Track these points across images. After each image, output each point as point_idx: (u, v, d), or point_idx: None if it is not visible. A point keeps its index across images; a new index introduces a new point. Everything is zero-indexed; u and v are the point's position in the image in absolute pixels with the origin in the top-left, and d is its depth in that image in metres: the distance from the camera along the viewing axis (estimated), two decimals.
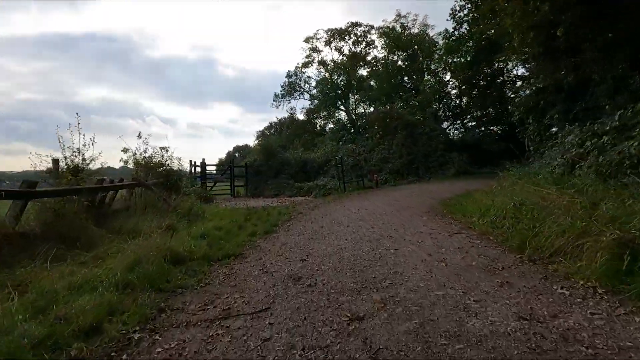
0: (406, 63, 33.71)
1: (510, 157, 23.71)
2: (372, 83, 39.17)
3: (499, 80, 26.18)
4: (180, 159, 13.99)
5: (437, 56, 31.02)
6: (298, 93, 46.19)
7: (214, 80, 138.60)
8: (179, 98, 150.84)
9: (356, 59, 42.02)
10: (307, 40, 44.73)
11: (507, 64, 24.48)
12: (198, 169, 24.08)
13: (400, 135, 24.02)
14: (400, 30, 33.28)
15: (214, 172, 27.82)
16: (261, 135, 57.67)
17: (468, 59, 25.43)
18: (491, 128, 25.96)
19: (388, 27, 33.38)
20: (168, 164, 12.94)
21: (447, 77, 30.85)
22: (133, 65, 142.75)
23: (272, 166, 26.73)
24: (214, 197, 21.89)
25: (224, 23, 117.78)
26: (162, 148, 13.24)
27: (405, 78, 33.76)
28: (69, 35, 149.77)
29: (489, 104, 25.75)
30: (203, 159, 25.48)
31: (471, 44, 24.45)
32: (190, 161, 23.15)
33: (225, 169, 26.77)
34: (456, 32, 25.58)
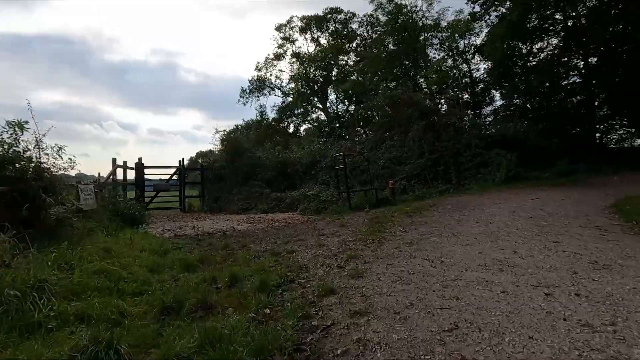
0: (403, 45, 27.83)
1: (567, 155, 18.37)
2: (355, 76, 33.04)
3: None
4: (60, 150, 7.10)
5: (448, 33, 25.44)
6: (269, 89, 39.75)
7: (176, 85, 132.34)
8: (140, 103, 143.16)
9: (337, 48, 36.03)
10: (279, 28, 38.47)
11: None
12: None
13: (418, 126, 17.96)
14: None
15: (162, 178, 20.79)
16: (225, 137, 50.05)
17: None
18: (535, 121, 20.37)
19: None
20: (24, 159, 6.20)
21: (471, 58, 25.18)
22: (90, 69, 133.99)
23: (240, 169, 20.17)
24: (151, 215, 15.21)
25: (185, 28, 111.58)
26: (11, 124, 6.47)
27: (406, 62, 27.93)
28: (21, 36, 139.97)
29: (534, 91, 20.23)
30: (139, 159, 18.49)
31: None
32: (114, 160, 16.14)
33: (172, 173, 19.78)
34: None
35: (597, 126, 23.18)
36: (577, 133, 21.37)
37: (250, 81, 39.43)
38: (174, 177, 20.57)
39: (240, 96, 39.40)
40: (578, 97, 23.29)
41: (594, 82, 22.50)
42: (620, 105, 23.01)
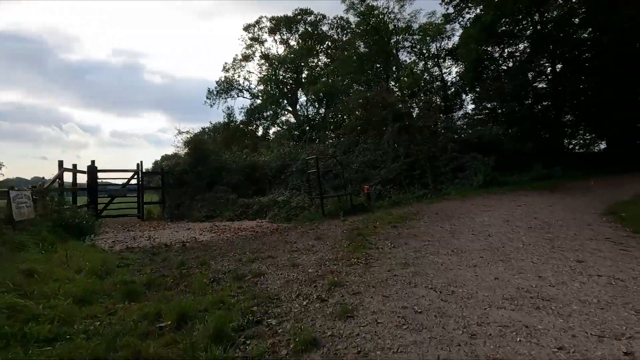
0: (374, 47, 26.90)
1: (541, 159, 17.85)
2: (326, 78, 31.87)
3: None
4: None
5: (420, 36, 24.71)
6: (237, 91, 38.03)
7: (140, 87, 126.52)
8: (103, 105, 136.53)
9: (307, 50, 34.79)
10: (247, 28, 36.87)
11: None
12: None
13: (393, 129, 16.96)
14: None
15: (120, 182, 18.87)
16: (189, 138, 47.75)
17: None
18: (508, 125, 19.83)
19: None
20: None
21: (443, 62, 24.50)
22: (48, 68, 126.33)
23: (204, 174, 18.52)
24: (103, 224, 13.55)
25: (150, 28, 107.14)
26: None
27: (378, 65, 27.02)
28: None
29: (509, 95, 19.70)
30: (92, 162, 16.56)
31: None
32: (60, 163, 14.28)
33: (129, 178, 17.91)
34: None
35: (565, 131, 23.06)
36: (547, 138, 21.09)
37: (217, 82, 37.64)
38: (132, 182, 18.68)
39: (207, 97, 37.53)
40: (544, 103, 23.13)
41: (559, 88, 22.40)
42: (584, 111, 23.04)
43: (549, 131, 21.13)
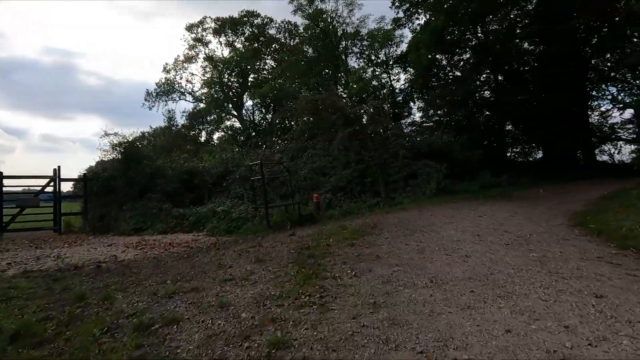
0: (323, 52, 25.75)
1: (488, 167, 17.41)
2: (273, 82, 30.22)
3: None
4: None
5: (369, 43, 23.86)
6: (178, 93, 35.24)
7: (74, 88, 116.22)
8: (31, 106, 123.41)
9: (254, 52, 32.93)
10: (190, 28, 34.32)
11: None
12: None
13: (343, 134, 15.71)
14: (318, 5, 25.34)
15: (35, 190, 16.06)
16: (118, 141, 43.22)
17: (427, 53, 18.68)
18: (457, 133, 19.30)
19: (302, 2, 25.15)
20: None
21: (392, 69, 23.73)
22: None
23: (135, 180, 16.15)
24: (5, 239, 11.15)
25: (85, 27, 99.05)
26: None
27: (327, 70, 25.85)
28: None
29: (457, 103, 19.21)
30: None
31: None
32: None
33: (44, 185, 15.20)
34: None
35: (507, 140, 23.17)
36: (493, 146, 20.96)
37: (157, 84, 34.67)
38: (47, 190, 15.87)
39: (146, 99, 34.43)
40: (487, 113, 23.14)
41: (500, 98, 22.47)
42: (523, 122, 23.28)
43: (494, 140, 21.03)
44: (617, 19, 20.59)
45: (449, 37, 18.97)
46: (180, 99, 35.28)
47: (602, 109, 27.63)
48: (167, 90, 34.40)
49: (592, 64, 24.18)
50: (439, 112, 20.87)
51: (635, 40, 24.53)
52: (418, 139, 17.91)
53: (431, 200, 13.27)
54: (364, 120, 17.57)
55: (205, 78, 34.26)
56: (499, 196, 13.79)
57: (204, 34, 34.03)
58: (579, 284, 4.06)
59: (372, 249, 6.21)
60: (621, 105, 28.28)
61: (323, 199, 14.49)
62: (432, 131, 19.01)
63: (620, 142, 28.20)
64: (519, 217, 9.12)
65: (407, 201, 13.44)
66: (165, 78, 34.55)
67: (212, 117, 33.08)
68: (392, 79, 24.54)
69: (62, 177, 16.34)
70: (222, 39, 34.34)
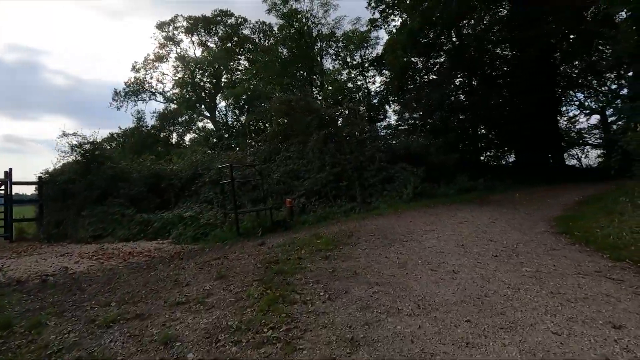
0: (297, 53, 24.98)
1: (464, 171, 17.07)
2: (247, 84, 29.15)
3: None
4: None
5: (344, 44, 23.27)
6: (149, 93, 33.66)
7: (39, 87, 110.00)
8: None
9: (227, 53, 31.79)
10: (161, 26, 32.87)
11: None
12: None
13: (318, 136, 15.02)
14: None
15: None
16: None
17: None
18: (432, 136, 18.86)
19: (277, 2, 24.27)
20: None
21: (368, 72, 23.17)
22: None
23: (96, 184, 14.96)
24: None
25: (51, 25, 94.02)
26: None
27: (302, 72, 25.11)
28: None
29: (434, 106, 18.83)
30: None
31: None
32: None
33: None
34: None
35: (480, 143, 23.05)
36: (468, 150, 20.74)
37: (126, 83, 33.02)
38: None
39: (113, 99, 32.72)
40: (462, 116, 22.96)
41: (474, 102, 22.34)
42: (495, 125, 23.23)
43: (468, 144, 20.83)
44: (583, 27, 20.75)
45: (424, 40, 18.66)
46: (150, 99, 33.80)
47: (570, 114, 28.17)
48: (136, 90, 32.83)
49: (560, 70, 24.44)
50: (414, 115, 20.49)
51: (600, 48, 25.03)
52: (394, 142, 17.41)
53: (408, 204, 12.72)
54: (339, 122, 16.93)
55: (177, 78, 32.92)
56: (476, 200, 13.39)
57: (175, 32, 32.72)
58: (588, 308, 3.46)
59: (349, 262, 5.49)
60: (588, 112, 28.95)
61: (297, 204, 13.73)
62: (408, 134, 18.58)
63: (587, 147, 28.84)
64: (500, 223, 8.63)
65: (383, 206, 12.84)
66: (135, 77, 33.01)
67: (183, 118, 31.72)
68: (367, 81, 24.09)
69: (15, 180, 15.00)
70: (195, 38, 33.15)
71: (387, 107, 23.25)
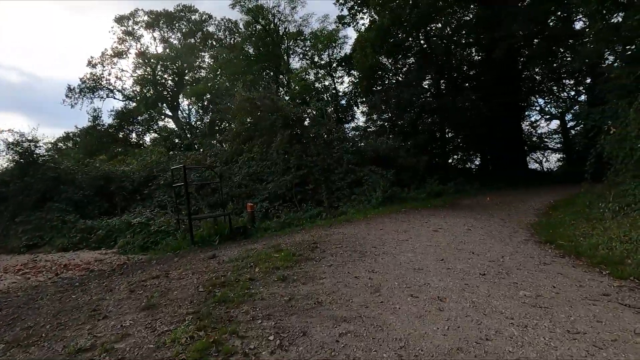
0: (263, 51, 23.73)
1: (434, 174, 16.43)
2: (210, 82, 27.52)
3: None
4: None
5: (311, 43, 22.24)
6: (106, 90, 31.28)
7: None
8: None
9: (190, 49, 29.96)
10: (120, 20, 30.67)
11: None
12: None
13: (283, 136, 13.93)
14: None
15: None
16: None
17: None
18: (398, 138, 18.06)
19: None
20: None
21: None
22: None
23: (34, 186, 13.16)
24: None
25: (2, 20, 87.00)
26: None
27: (268, 71, 23.85)
28: None
29: (403, 107, 18.08)
30: None
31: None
32: None
33: None
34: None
35: (448, 146, 22.65)
36: (436, 152, 20.22)
37: (81, 79, 30.59)
38: None
39: (67, 96, 30.16)
40: (430, 119, 22.48)
41: (442, 104, 21.90)
42: (462, 128, 22.90)
43: (437, 147, 20.33)
44: (546, 33, 20.73)
45: (393, 40, 17.98)
46: (108, 97, 31.44)
47: (532, 119, 28.47)
48: (92, 86, 30.46)
49: (524, 75, 24.50)
50: (383, 116, 19.74)
51: (560, 55, 25.34)
52: (363, 143, 16.54)
53: (378, 209, 11.83)
54: (306, 122, 15.89)
55: (137, 75, 30.80)
56: (447, 205, 12.69)
57: (135, 27, 30.61)
58: (624, 357, 2.55)
59: (311, 285, 4.41)
60: (548, 117, 29.38)
61: (259, 208, 12.56)
62: (377, 136, 17.78)
63: (548, 151, 29.25)
64: (477, 231, 7.83)
65: (352, 211, 11.89)
66: (91, 73, 30.61)
67: (143, 117, 29.66)
68: (335, 81, 23.17)
69: None
70: (157, 34, 31.18)
71: (355, 108, 22.47)
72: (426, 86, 21.20)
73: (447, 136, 21.78)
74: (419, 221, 9.18)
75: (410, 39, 20.91)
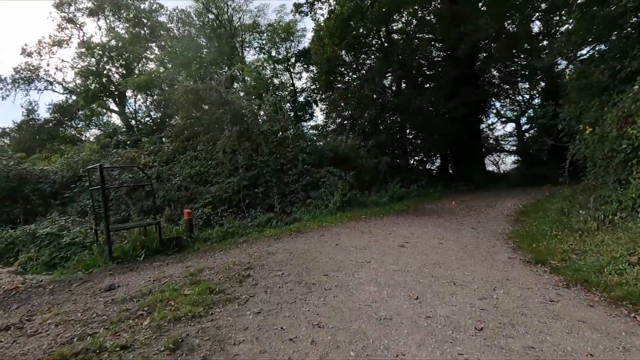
0: (215, 42, 21.56)
1: (395, 176, 15.08)
2: (156, 72, 24.86)
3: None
4: None
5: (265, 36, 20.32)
6: (45, 82, 27.63)
7: None
8: None
9: (136, 38, 26.95)
10: (59, 5, 27.17)
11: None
12: None
13: (231, 132, 12.04)
14: None
15: None
16: None
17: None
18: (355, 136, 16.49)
19: None
20: None
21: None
22: None
23: None
24: None
25: None
26: None
27: (221, 64, 21.63)
28: None
29: (364, 104, 16.57)
30: None
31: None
32: None
33: None
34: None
35: (408, 147, 21.49)
36: (397, 153, 18.97)
37: (15, 69, 26.90)
38: None
39: None
40: (392, 118, 21.25)
41: (402, 102, 20.74)
42: (422, 129, 21.87)
43: (397, 147, 19.09)
44: (503, 36, 20.03)
45: (354, 32, 16.51)
46: (47, 89, 27.87)
47: (489, 121, 28.12)
48: (28, 77, 26.87)
49: (482, 79, 23.89)
50: (343, 113, 18.19)
51: (516, 59, 25.02)
52: (321, 142, 14.90)
53: (335, 216, 10.21)
54: (258, 118, 14.04)
55: (79, 67, 27.46)
56: (411, 210, 11.30)
57: (77, 14, 27.34)
58: None
59: (234, 335, 2.66)
60: (504, 119, 29.18)
61: (200, 215, 10.59)
62: (337, 135, 16.23)
63: (503, 154, 29.04)
64: (451, 245, 6.37)
65: (306, 217, 10.19)
66: (26, 63, 26.99)
67: (85, 112, 26.42)
68: (293, 77, 21.38)
69: None
70: (102, 23, 28.02)
71: (315, 106, 20.81)
72: (387, 84, 19.89)
73: (408, 137, 20.60)
74: (382, 232, 7.64)
75: (371, 34, 19.55)
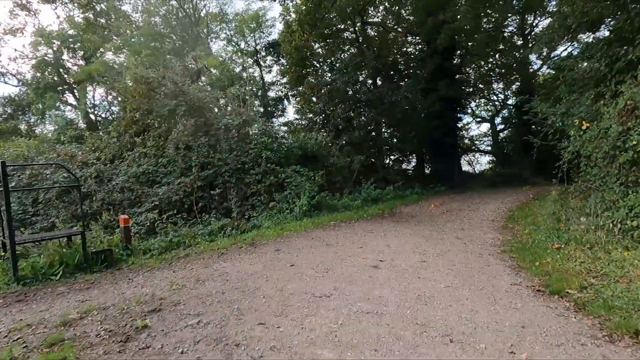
0: (179, 32, 19.60)
1: (369, 176, 13.65)
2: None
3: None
4: None
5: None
6: None
7: None
8: None
9: (95, 28, 24.47)
10: None
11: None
12: None
13: (185, 126, 10.32)
14: None
15: None
16: None
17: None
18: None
19: None
20: None
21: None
22: None
23: None
24: None
25: None
26: None
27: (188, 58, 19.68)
28: None
29: (337, 98, 15.03)
30: None
31: None
32: None
33: None
34: None
35: (383, 146, 20.14)
36: (372, 152, 17.59)
37: None
38: None
39: None
40: (366, 114, 19.85)
41: (378, 99, 19.39)
42: (397, 126, 20.59)
43: (372, 145, 17.72)
44: (476, 35, 18.88)
45: (326, 21, 15.03)
46: None
47: (465, 121, 27.24)
48: None
49: (457, 77, 22.89)
50: (314, 107, 16.61)
51: (491, 60, 24.20)
52: (289, 139, 13.30)
53: (300, 222, 8.67)
54: (217, 111, 12.31)
55: (36, 57, 24.79)
56: (387, 214, 9.88)
57: (32, 0, 24.66)
58: None
59: None
60: (479, 119, 28.40)
61: (144, 221, 8.84)
62: (307, 131, 14.67)
63: (478, 153, 28.25)
64: (436, 264, 4.95)
65: (266, 224, 8.60)
66: None
67: (37, 105, 23.80)
68: (262, 70, 19.68)
69: None
70: (60, 10, 25.45)
71: (286, 102, 19.20)
72: (362, 79, 18.47)
73: (384, 135, 19.25)
74: (352, 245, 6.14)
75: (345, 25, 18.08)
